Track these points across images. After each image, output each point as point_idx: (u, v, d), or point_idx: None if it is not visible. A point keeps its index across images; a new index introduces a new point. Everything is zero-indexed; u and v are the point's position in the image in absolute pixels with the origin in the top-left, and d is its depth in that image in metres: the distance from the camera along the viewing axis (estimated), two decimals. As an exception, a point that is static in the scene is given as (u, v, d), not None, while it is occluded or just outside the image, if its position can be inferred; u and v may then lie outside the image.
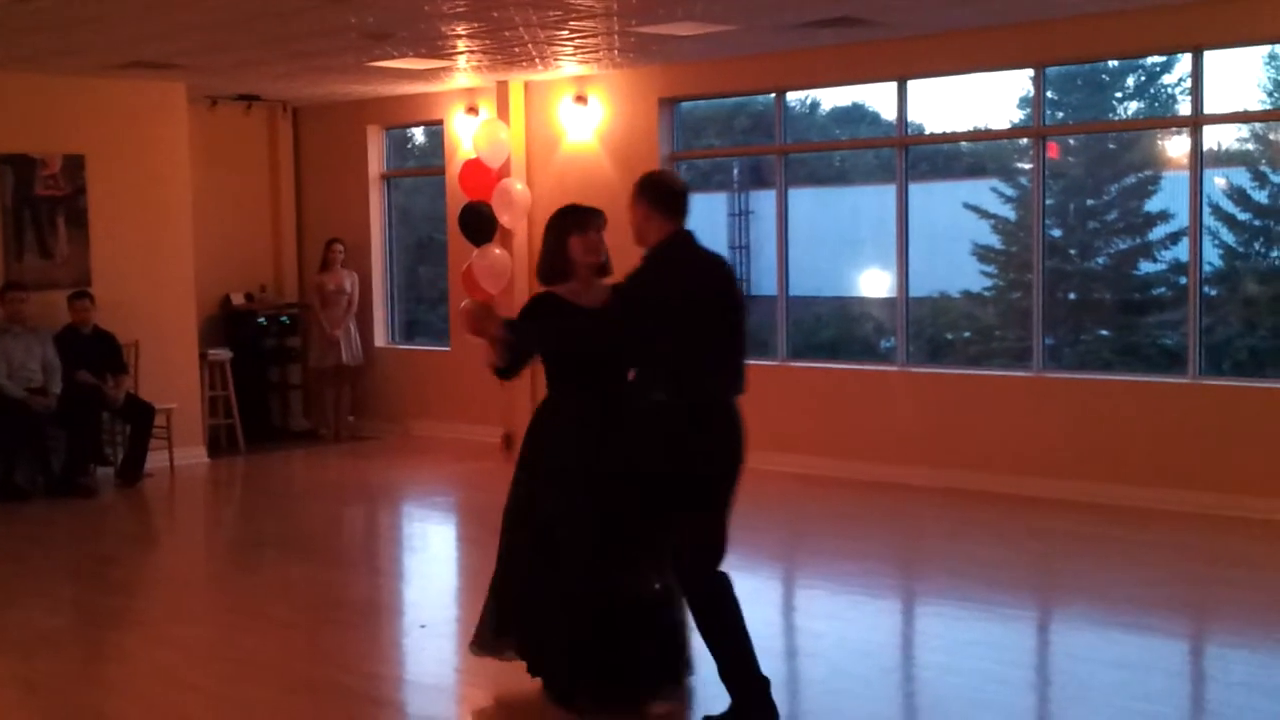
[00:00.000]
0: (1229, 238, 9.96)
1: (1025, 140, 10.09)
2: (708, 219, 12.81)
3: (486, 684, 5.99)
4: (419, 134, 14.20)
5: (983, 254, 11.21)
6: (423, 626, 6.91)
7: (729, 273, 5.26)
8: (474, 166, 12.01)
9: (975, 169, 11.66)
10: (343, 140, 13.69)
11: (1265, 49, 9.35)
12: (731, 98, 12.05)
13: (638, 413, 5.06)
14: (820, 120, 12.13)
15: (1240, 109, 9.37)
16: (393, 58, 10.42)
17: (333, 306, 13.09)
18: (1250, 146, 9.93)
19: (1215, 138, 9.71)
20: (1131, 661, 6.02)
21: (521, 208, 12.03)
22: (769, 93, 11.19)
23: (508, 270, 12.02)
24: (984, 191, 11.08)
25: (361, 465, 12.04)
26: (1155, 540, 8.25)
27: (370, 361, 13.51)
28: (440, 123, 12.94)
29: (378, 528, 10.08)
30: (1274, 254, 10.07)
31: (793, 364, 10.69)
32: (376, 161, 13.70)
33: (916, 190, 10.53)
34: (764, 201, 11.83)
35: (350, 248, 13.33)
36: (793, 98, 11.50)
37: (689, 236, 5.20)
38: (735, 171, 12.94)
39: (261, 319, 13.38)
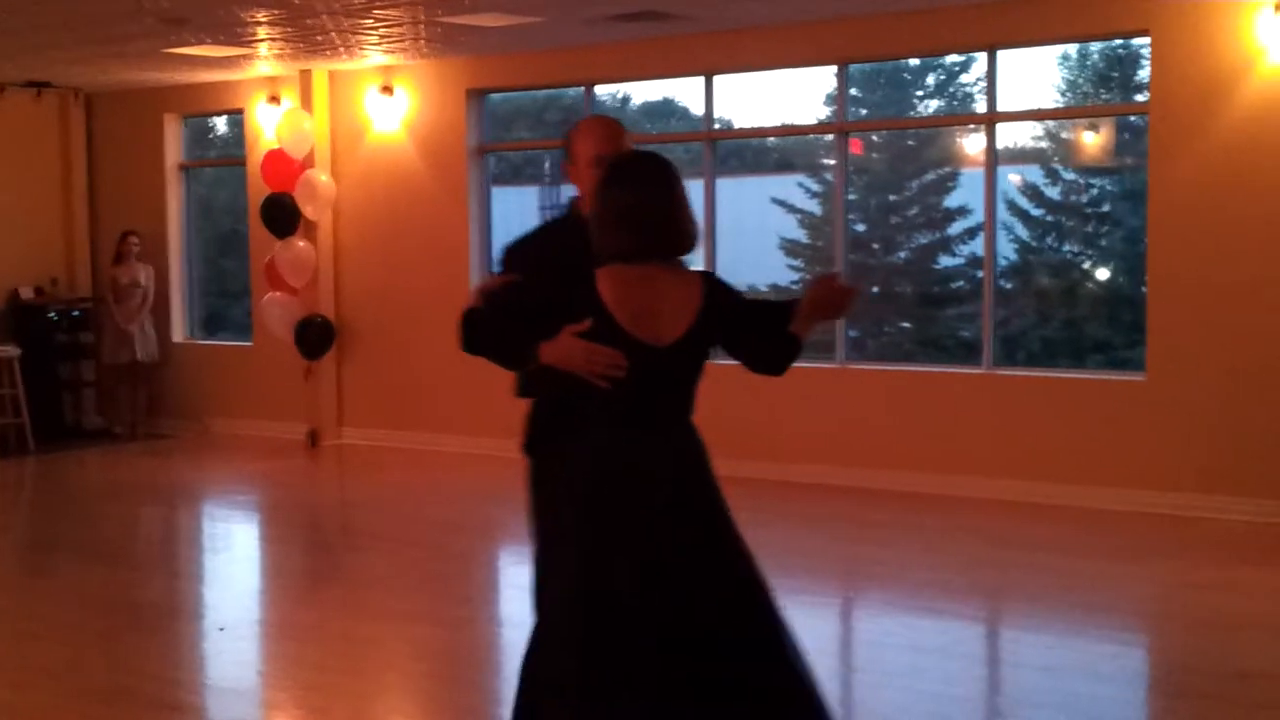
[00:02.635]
0: (1023, 233, 10.28)
1: (830, 136, 10.27)
2: (519, 212, 12.75)
3: (289, 686, 5.86)
4: (220, 123, 13.83)
5: (790, 248, 11.37)
6: (222, 629, 6.72)
7: None
8: (276, 157, 11.77)
9: (782, 164, 11.82)
10: (139, 129, 13.24)
11: (1059, 49, 9.68)
12: (541, 90, 12.00)
13: None
14: (631, 114, 12.16)
15: (1034, 107, 9.68)
16: (190, 44, 10.13)
17: (127, 300, 12.66)
18: (1044, 144, 10.26)
19: (1011, 136, 10.02)
20: (929, 646, 6.16)
21: (326, 199, 11.83)
22: (578, 85, 11.18)
23: (312, 263, 11.81)
24: (791, 186, 11.25)
25: (159, 464, 11.68)
26: (952, 526, 8.47)
27: (167, 357, 13.11)
28: (241, 112, 12.62)
29: (176, 529, 9.78)
30: (1065, 248, 10.44)
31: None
32: (174, 151, 13.29)
33: (725, 184, 10.63)
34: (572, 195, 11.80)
35: (147, 240, 12.91)
36: (604, 91, 11.51)
37: None
38: (546, 165, 12.89)
39: (52, 314, 12.89)
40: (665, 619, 3.67)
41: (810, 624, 6.64)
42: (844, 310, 4.03)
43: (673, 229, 3.78)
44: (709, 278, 3.91)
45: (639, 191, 3.75)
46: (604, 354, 3.65)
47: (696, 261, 10.80)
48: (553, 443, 4.09)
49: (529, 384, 4.12)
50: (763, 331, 4.00)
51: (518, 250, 4.17)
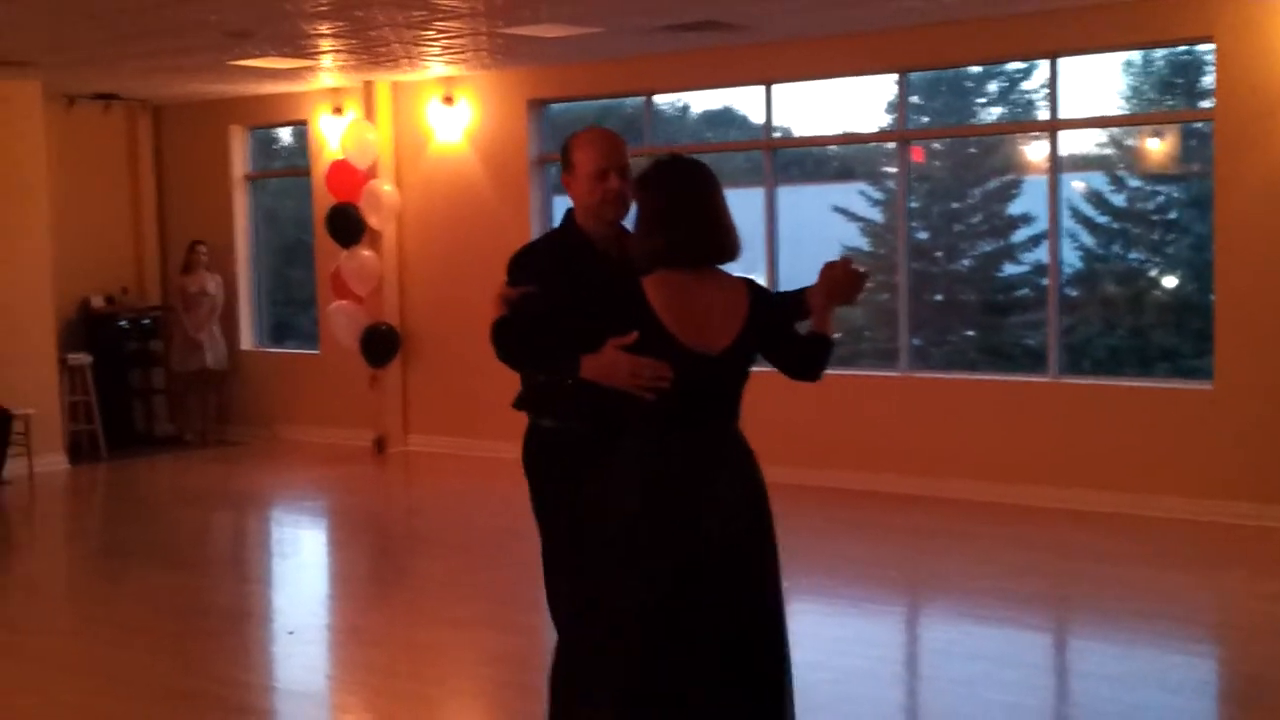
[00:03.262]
0: (1088, 240, 10.21)
1: (891, 144, 10.26)
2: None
3: (357, 690, 5.93)
4: (285, 134, 13.99)
5: (851, 256, 11.33)
6: (291, 633, 6.82)
7: None
8: (341, 168, 11.90)
9: (843, 172, 11.81)
10: (205, 140, 13.43)
11: (1122, 55, 9.62)
12: (601, 100, 12.07)
13: None
14: (691, 123, 12.20)
15: (1097, 114, 9.63)
16: (254, 56, 10.25)
17: (196, 309, 12.84)
18: (1108, 151, 10.19)
19: (1074, 143, 9.96)
20: (995, 655, 6.15)
21: (390, 209, 11.95)
22: (638, 95, 11.23)
23: (376, 272, 11.93)
24: (852, 194, 11.23)
25: (228, 471, 11.83)
26: (1016, 535, 8.43)
27: (236, 365, 13.27)
28: (305, 123, 12.77)
29: (245, 534, 9.91)
30: (1131, 256, 10.35)
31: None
32: (240, 162, 13.47)
33: (785, 193, 10.64)
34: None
35: (214, 250, 13.09)
36: (663, 101, 11.55)
37: None
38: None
39: (123, 322, 13.08)
40: (701, 628, 3.75)
41: (874, 631, 6.68)
42: (855, 293, 4.08)
43: (711, 230, 3.81)
44: (752, 284, 3.93)
45: (672, 193, 3.81)
46: (650, 366, 3.68)
47: (759, 272, 10.86)
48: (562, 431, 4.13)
49: (539, 397, 4.18)
50: (795, 337, 4.04)
51: (525, 261, 4.16)
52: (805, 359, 4.05)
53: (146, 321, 13.27)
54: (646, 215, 3.84)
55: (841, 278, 4.03)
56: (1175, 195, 10.05)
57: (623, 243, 4.07)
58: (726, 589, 3.78)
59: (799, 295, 4.06)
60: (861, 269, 4.06)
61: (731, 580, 3.79)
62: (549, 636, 6.71)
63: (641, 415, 3.76)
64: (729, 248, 3.84)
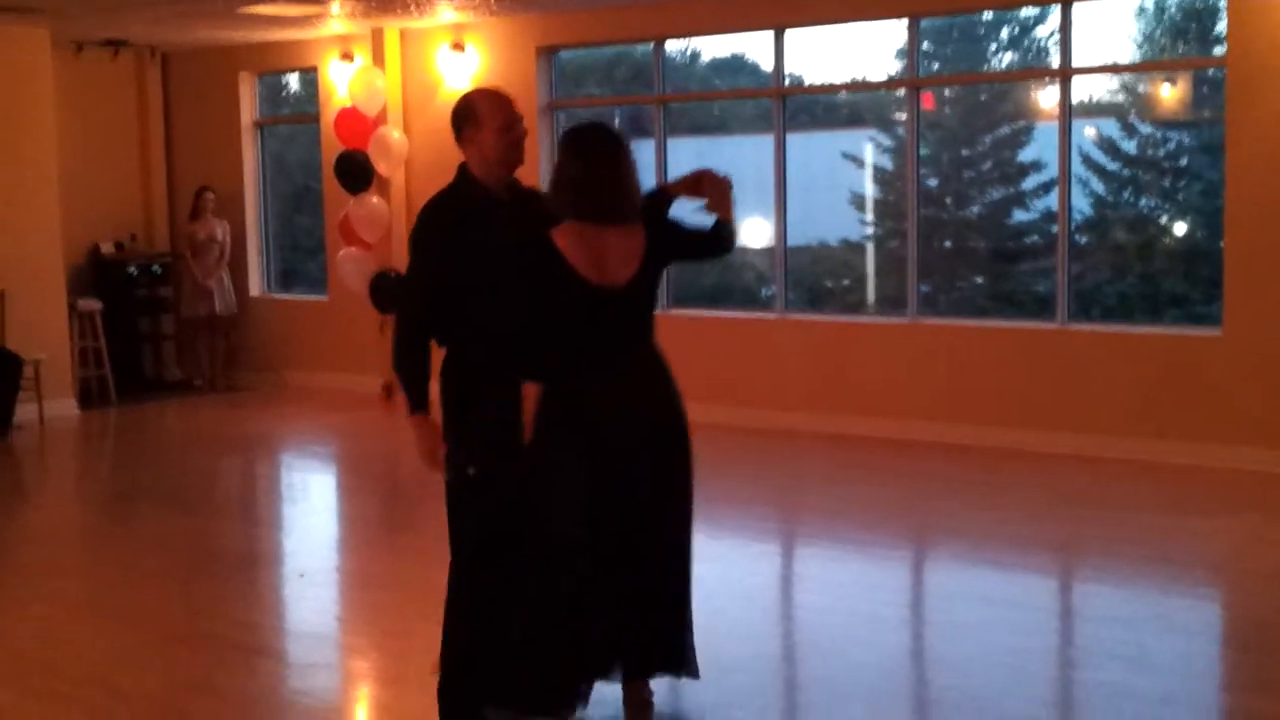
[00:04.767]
0: (1099, 187, 10.18)
1: (901, 91, 10.20)
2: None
3: (368, 631, 5.98)
4: (294, 81, 13.94)
5: (860, 203, 11.33)
6: (301, 575, 6.87)
7: None
8: (350, 114, 11.87)
9: (853, 119, 11.76)
10: (214, 87, 13.39)
11: (1135, 1, 9.54)
12: (611, 46, 12.00)
13: None
14: (700, 70, 12.14)
15: (1110, 61, 9.57)
16: (263, 3, 10.20)
17: (204, 255, 12.84)
18: (1120, 98, 10.14)
19: (1086, 89, 9.91)
20: (1001, 598, 6.18)
21: (399, 156, 11.92)
22: (648, 41, 11.17)
23: (385, 219, 11.92)
24: (862, 141, 11.19)
25: (237, 416, 11.87)
26: (1025, 481, 8.45)
27: (245, 311, 13.29)
28: (314, 69, 12.72)
29: (255, 479, 9.96)
30: (1142, 203, 10.32)
31: (674, 312, 10.72)
32: (249, 109, 13.43)
33: (795, 140, 10.59)
34: (644, 151, 11.82)
35: (223, 196, 13.08)
36: (673, 48, 11.49)
37: None
38: (615, 121, 12.89)
39: (132, 268, 13.09)
40: (615, 535, 4.37)
41: (881, 576, 6.71)
42: (717, 194, 4.58)
43: (616, 197, 4.38)
44: (650, 222, 4.46)
45: (588, 160, 4.40)
46: (437, 461, 4.47)
47: (769, 218, 10.82)
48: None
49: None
50: (692, 234, 4.62)
51: (433, 220, 4.49)
52: (711, 243, 4.62)
53: (155, 268, 13.28)
54: (563, 176, 4.42)
55: (705, 180, 4.60)
56: (1186, 142, 10.00)
57: (513, 190, 4.62)
58: (640, 498, 4.38)
59: (659, 191, 4.63)
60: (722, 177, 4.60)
61: (645, 489, 4.39)
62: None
63: (562, 352, 4.37)
64: (629, 212, 4.39)
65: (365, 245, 11.93)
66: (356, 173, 11.82)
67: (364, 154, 11.81)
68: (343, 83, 12.14)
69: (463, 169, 4.57)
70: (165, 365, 13.66)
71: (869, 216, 11.38)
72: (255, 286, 13.50)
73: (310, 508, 8.95)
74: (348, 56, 12.22)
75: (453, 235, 4.44)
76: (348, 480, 9.68)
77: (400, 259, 12.09)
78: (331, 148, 12.19)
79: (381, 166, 11.84)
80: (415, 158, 12.10)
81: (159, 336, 13.62)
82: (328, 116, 12.35)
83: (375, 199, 11.89)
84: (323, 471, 10.06)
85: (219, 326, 13.09)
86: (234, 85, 13.30)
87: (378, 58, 11.94)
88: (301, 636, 6.00)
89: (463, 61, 11.68)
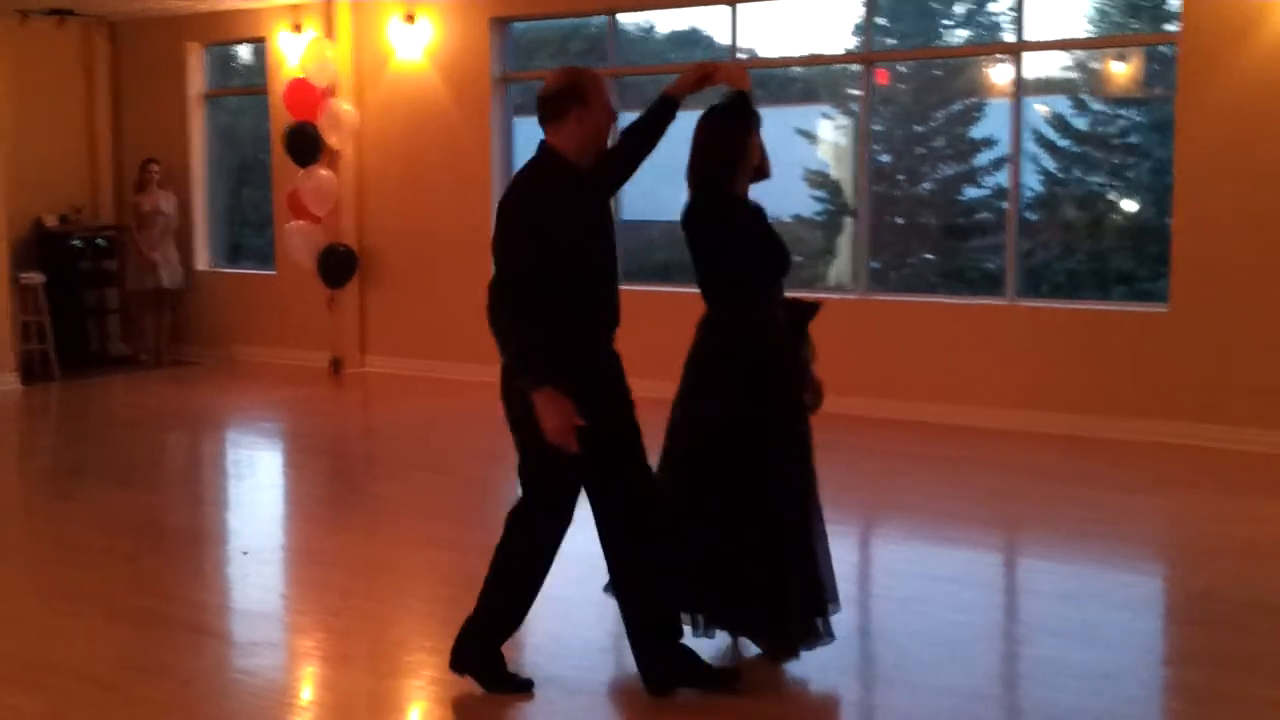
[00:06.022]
0: (1049, 164, 10.19)
1: (856, 66, 10.18)
2: (540, 142, 12.68)
3: (312, 610, 5.92)
4: (244, 52, 13.77)
5: (813, 179, 11.30)
6: (245, 553, 6.78)
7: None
8: (299, 86, 11.74)
9: (807, 94, 11.73)
10: (161, 57, 13.21)
11: (1088, -22, 9.56)
12: (565, 19, 11.92)
13: None
14: (656, 44, 12.07)
15: (1062, 37, 9.57)
16: (212, -30, 10.07)
17: (150, 228, 12.69)
18: (1072, 75, 10.15)
19: (1038, 66, 9.91)
20: (948, 574, 6.19)
21: (349, 128, 11.81)
22: (602, 14, 11.09)
23: (335, 192, 11.80)
24: (815, 117, 11.16)
25: (183, 391, 11.75)
26: (973, 457, 8.47)
27: (191, 285, 13.15)
28: (264, 40, 12.57)
29: (200, 455, 9.86)
30: (1092, 180, 10.34)
31: (625, 287, 10.63)
32: (197, 80, 13.26)
33: (748, 115, 10.53)
34: (596, 125, 11.74)
35: (170, 169, 12.92)
36: (627, 20, 11.42)
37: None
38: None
39: (77, 241, 12.93)
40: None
41: (830, 552, 6.68)
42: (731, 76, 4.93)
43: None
44: None
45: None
46: (569, 437, 4.39)
47: (665, 194, 10.80)
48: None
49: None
50: None
51: (539, 204, 4.37)
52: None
53: (101, 241, 13.13)
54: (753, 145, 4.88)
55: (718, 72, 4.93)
56: (1137, 119, 10.03)
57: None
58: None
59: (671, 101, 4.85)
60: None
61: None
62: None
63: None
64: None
65: (314, 219, 11.82)
66: (306, 145, 11.70)
67: (314, 126, 11.69)
68: (293, 54, 12.01)
69: (549, 149, 4.45)
70: (110, 340, 13.51)
71: (822, 192, 11.35)
72: (202, 260, 13.36)
73: (256, 484, 8.86)
74: (298, 27, 12.07)
75: (564, 214, 4.39)
76: (295, 457, 9.59)
77: (350, 234, 11.99)
78: (281, 120, 12.05)
79: (332, 139, 11.72)
80: (366, 130, 11.99)
81: (104, 310, 13.46)
82: (277, 88, 12.20)
83: (325, 172, 11.77)
84: (269, 448, 9.96)
85: (165, 300, 12.95)
86: (182, 56, 13.12)
87: (328, 29, 11.81)
88: (246, 615, 5.92)
89: (415, 33, 11.57)
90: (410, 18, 11.55)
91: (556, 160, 4.45)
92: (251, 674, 5.11)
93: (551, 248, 4.32)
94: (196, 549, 6.93)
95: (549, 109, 4.45)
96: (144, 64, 13.37)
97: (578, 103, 4.39)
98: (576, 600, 5.79)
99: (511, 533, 4.72)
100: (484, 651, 4.75)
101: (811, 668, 4.94)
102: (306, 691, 5.08)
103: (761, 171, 5.04)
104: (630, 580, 4.70)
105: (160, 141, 13.16)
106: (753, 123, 4.93)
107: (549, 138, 4.48)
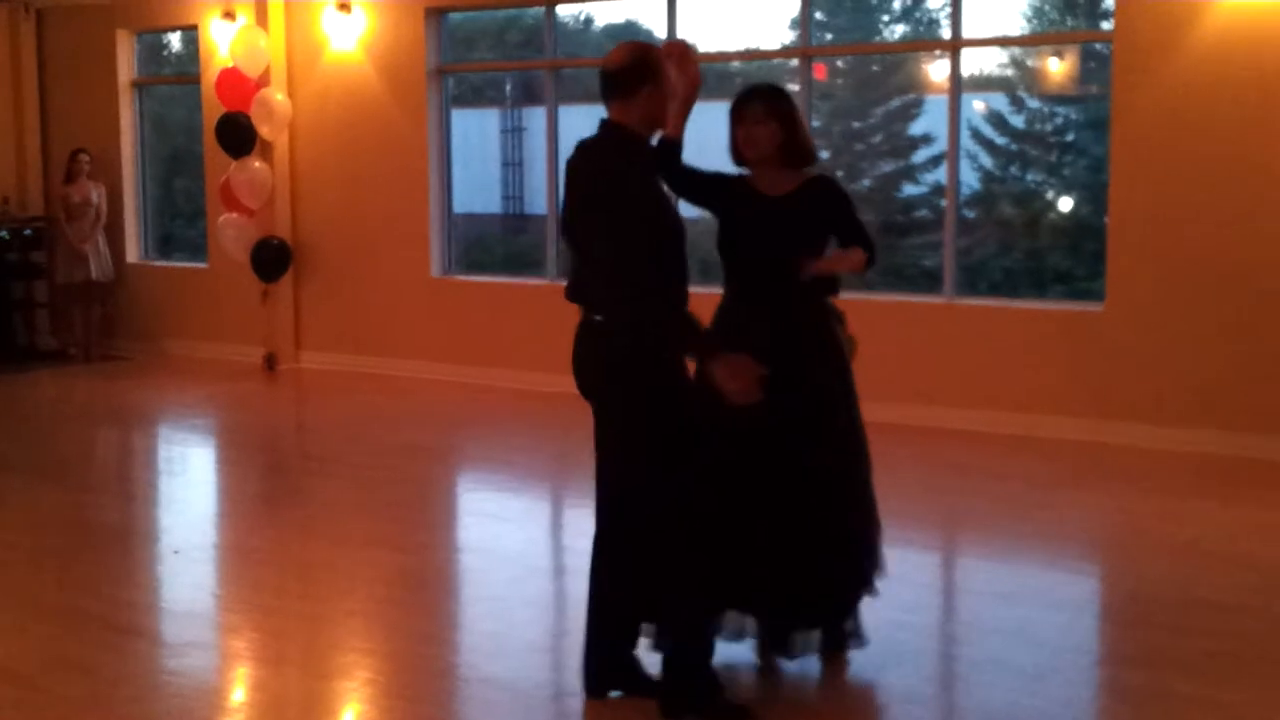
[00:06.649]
0: (987, 161, 10.24)
1: (794, 61, 10.17)
2: (479, 134, 12.61)
3: (244, 609, 5.83)
4: (175, 40, 13.57)
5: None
6: (176, 552, 6.68)
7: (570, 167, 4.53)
8: (231, 75, 11.58)
9: (745, 90, 11.70)
10: (91, 45, 12.99)
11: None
12: (502, 10, 11.83)
13: None
14: (594, 36, 12.01)
15: (1000, 34, 9.61)
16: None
17: (79, 220, 12.48)
18: (1010, 72, 10.20)
19: (976, 63, 9.95)
20: (886, 574, 6.17)
21: (282, 119, 11.66)
22: (539, 6, 11.02)
23: (268, 184, 11.65)
24: (753, 112, 11.12)
25: (114, 386, 11.57)
26: (910, 455, 8.48)
27: (122, 278, 12.95)
28: (195, 28, 12.38)
29: (130, 451, 9.71)
30: (1029, 177, 10.40)
31: (562, 282, 10.58)
32: (127, 68, 13.05)
33: (687, 109, 10.50)
34: (537, 118, 11.68)
35: (99, 159, 12.71)
36: (565, 12, 11.35)
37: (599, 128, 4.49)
38: (507, 86, 12.74)
39: (3, 233, 12.72)
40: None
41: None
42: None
43: None
44: None
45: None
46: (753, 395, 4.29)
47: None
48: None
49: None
50: None
51: (645, 175, 4.40)
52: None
53: (28, 232, 12.92)
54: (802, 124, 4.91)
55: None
56: (1073, 117, 10.10)
57: None
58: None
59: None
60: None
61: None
62: (438, 555, 6.68)
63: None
64: None
65: (247, 211, 11.66)
66: (238, 136, 11.54)
67: (246, 116, 11.53)
68: (224, 42, 11.84)
69: (619, 127, 4.35)
70: (38, 333, 13.29)
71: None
72: (133, 252, 13.16)
73: (188, 481, 8.72)
74: (230, 15, 11.91)
75: (658, 187, 4.49)
76: (228, 453, 9.46)
77: (284, 226, 11.85)
78: (213, 110, 11.89)
79: (264, 130, 11.57)
80: (299, 121, 11.84)
81: (32, 304, 13.25)
82: (209, 77, 12.03)
83: (258, 163, 11.62)
84: (202, 444, 9.82)
85: (95, 293, 12.74)
86: (111, 43, 12.91)
87: (261, 17, 11.65)
88: (176, 614, 5.83)
89: (349, 23, 11.44)
90: (345, 7, 11.42)
91: (631, 136, 4.36)
92: (181, 675, 5.02)
93: (660, 223, 4.31)
94: (126, 547, 6.82)
95: (620, 85, 4.33)
96: (73, 51, 13.14)
97: (650, 78, 4.31)
98: (513, 600, 5.75)
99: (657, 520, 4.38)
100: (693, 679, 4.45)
101: (747, 669, 4.92)
102: (238, 693, 5.00)
103: (747, 162, 4.96)
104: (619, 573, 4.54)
105: (90, 131, 12.94)
106: (735, 115, 4.90)
107: (616, 114, 4.36)
